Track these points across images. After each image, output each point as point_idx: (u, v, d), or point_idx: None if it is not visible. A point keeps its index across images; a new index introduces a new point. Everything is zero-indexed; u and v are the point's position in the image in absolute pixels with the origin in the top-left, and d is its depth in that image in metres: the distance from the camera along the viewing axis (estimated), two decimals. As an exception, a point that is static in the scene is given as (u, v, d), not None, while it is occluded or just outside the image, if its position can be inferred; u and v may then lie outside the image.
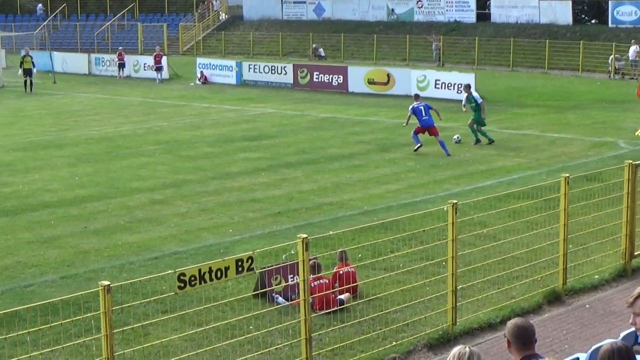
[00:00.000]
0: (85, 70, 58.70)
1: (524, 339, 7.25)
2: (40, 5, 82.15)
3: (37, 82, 48.97)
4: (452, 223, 12.34)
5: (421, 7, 64.60)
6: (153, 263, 16.37)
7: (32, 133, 32.75)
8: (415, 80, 42.05)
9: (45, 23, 76.49)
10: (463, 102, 30.00)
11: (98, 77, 56.52)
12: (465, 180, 23.27)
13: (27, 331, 10.46)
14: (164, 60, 53.22)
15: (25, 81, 47.82)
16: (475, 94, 29.61)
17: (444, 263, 13.49)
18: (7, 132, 33.08)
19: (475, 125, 28.91)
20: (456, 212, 12.36)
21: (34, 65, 48.73)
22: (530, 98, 40.75)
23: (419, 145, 27.21)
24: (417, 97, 28.84)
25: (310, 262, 12.54)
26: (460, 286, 13.20)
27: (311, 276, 12.44)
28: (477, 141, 28.72)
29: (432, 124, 27.43)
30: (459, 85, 40.07)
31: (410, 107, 28.02)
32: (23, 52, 49.96)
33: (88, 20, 78.38)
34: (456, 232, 12.48)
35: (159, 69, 52.41)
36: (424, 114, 27.44)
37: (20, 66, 48.74)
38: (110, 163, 26.39)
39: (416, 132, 27.37)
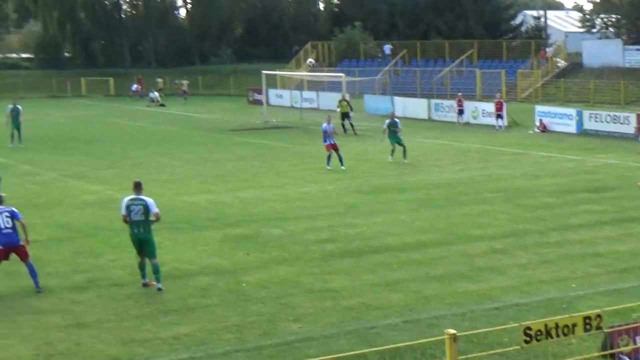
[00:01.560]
0: (425, 115, 59.71)
1: None
2: (389, 45, 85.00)
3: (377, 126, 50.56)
4: None
5: None
6: (494, 313, 16.38)
7: (375, 176, 33.79)
8: None
9: (387, 68, 79.04)
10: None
11: (437, 122, 57.44)
12: None
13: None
14: (504, 107, 53.19)
15: (343, 124, 50.15)
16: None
17: None
18: (352, 174, 34.31)
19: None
20: None
21: (351, 109, 52.16)
22: None
23: None
24: None
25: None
26: None
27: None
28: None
29: None
30: None
31: None
32: (340, 97, 53.94)
33: (427, 66, 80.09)
34: None
35: (499, 116, 52.37)
36: None
37: (338, 109, 52.38)
38: (450, 209, 26.71)
39: None
